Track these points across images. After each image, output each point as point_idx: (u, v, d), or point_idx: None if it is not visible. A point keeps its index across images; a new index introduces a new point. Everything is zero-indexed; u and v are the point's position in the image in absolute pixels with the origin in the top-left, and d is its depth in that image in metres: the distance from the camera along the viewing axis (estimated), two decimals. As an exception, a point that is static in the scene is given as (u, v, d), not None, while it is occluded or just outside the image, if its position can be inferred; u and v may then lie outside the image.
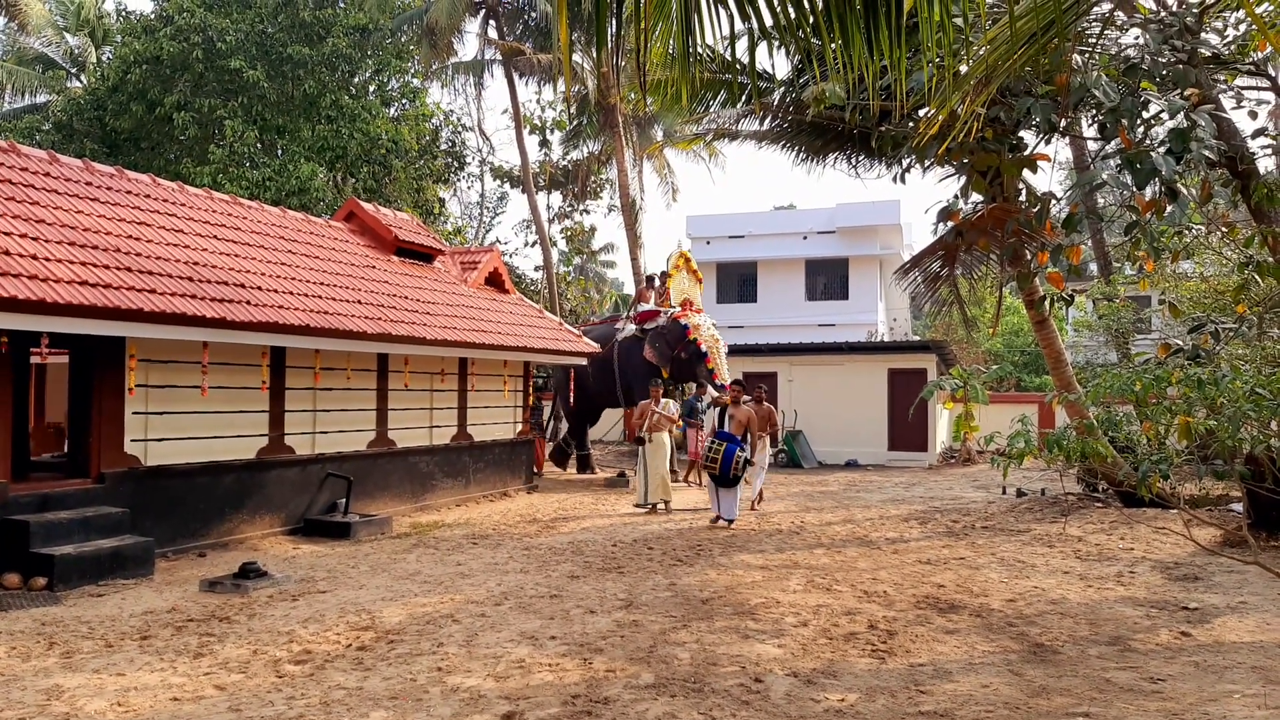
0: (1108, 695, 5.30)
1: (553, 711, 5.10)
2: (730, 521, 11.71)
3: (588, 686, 5.51)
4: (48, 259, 8.38)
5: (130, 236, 9.92)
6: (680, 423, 14.14)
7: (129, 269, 9.16)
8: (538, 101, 35.28)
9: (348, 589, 8.24)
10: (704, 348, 16.91)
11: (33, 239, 8.57)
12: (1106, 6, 9.11)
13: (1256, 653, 6.09)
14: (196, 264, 10.23)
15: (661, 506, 13.36)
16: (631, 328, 18.13)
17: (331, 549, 10.41)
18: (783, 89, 13.52)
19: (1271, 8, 6.44)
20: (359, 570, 9.13)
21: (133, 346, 9.34)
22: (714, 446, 11.71)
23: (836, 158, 14.61)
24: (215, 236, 11.36)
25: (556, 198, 35.74)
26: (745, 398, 13.16)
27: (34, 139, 24.84)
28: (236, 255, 11.21)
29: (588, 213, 36.60)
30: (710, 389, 16.35)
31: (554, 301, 30.01)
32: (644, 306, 18.30)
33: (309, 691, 5.42)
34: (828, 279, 36.98)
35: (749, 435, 12.21)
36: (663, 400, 13.56)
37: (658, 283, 19.13)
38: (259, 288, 10.62)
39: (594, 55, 27.24)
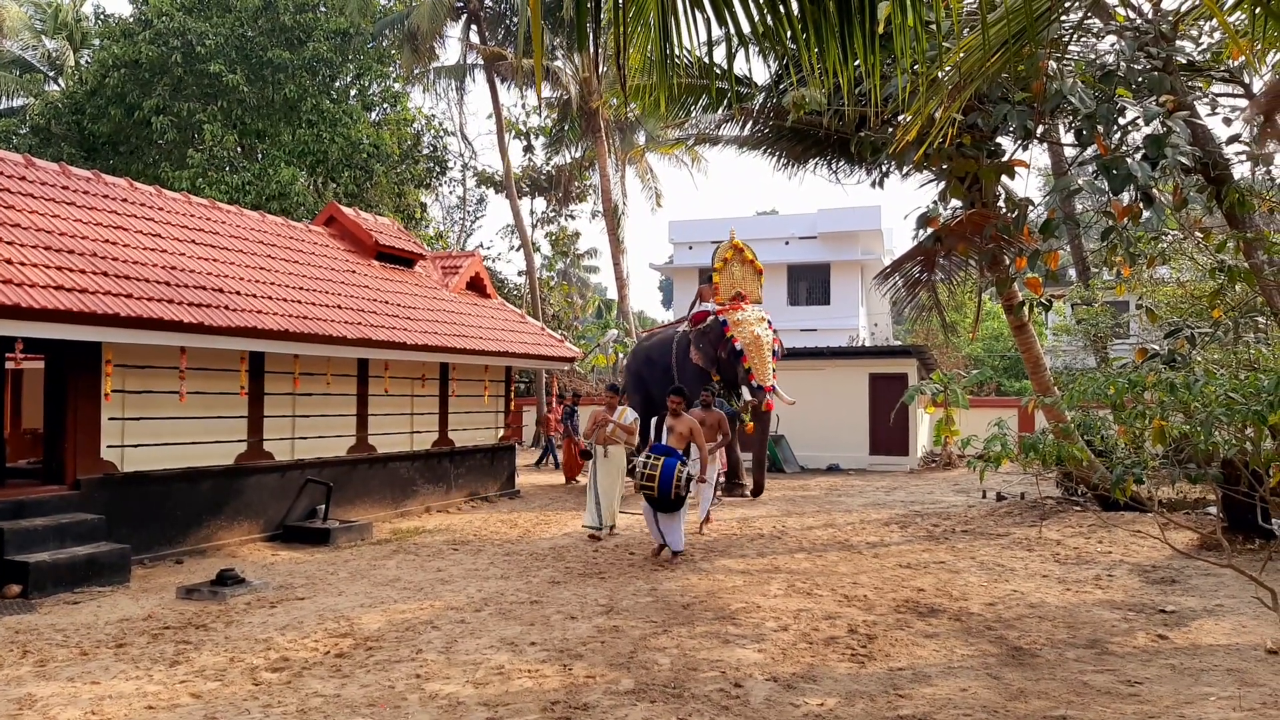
0: (1085, 698, 5.33)
1: (532, 718, 5.08)
2: (676, 553, 9.87)
3: (567, 693, 5.49)
4: (23, 263, 8.30)
5: (107, 241, 9.84)
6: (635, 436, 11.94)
7: (105, 273, 9.09)
8: (521, 106, 35.33)
9: (326, 596, 8.19)
10: (739, 346, 15.41)
11: (7, 243, 8.49)
12: (1080, 14, 9.18)
13: (1232, 655, 6.13)
14: (174, 268, 10.16)
15: (605, 531, 11.44)
16: (687, 329, 17.01)
17: (311, 555, 10.35)
18: (763, 94, 13.59)
19: (1244, 16, 6.51)
20: (338, 577, 9.07)
21: (109, 352, 9.27)
22: (649, 462, 9.72)
23: (817, 163, 14.68)
24: (193, 241, 11.28)
25: (540, 202, 35.77)
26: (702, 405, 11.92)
27: (11, 143, 24.65)
28: (215, 260, 11.14)
29: (572, 217, 36.66)
30: (746, 392, 15.19)
31: (536, 306, 30.00)
32: (705, 306, 17.00)
33: (286, 699, 5.38)
34: (810, 284, 37.14)
35: (693, 448, 10.49)
36: (619, 409, 11.62)
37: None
38: (237, 292, 10.56)
39: (575, 61, 27.33)
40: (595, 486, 11.50)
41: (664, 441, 10.22)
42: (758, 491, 15.34)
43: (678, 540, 9.86)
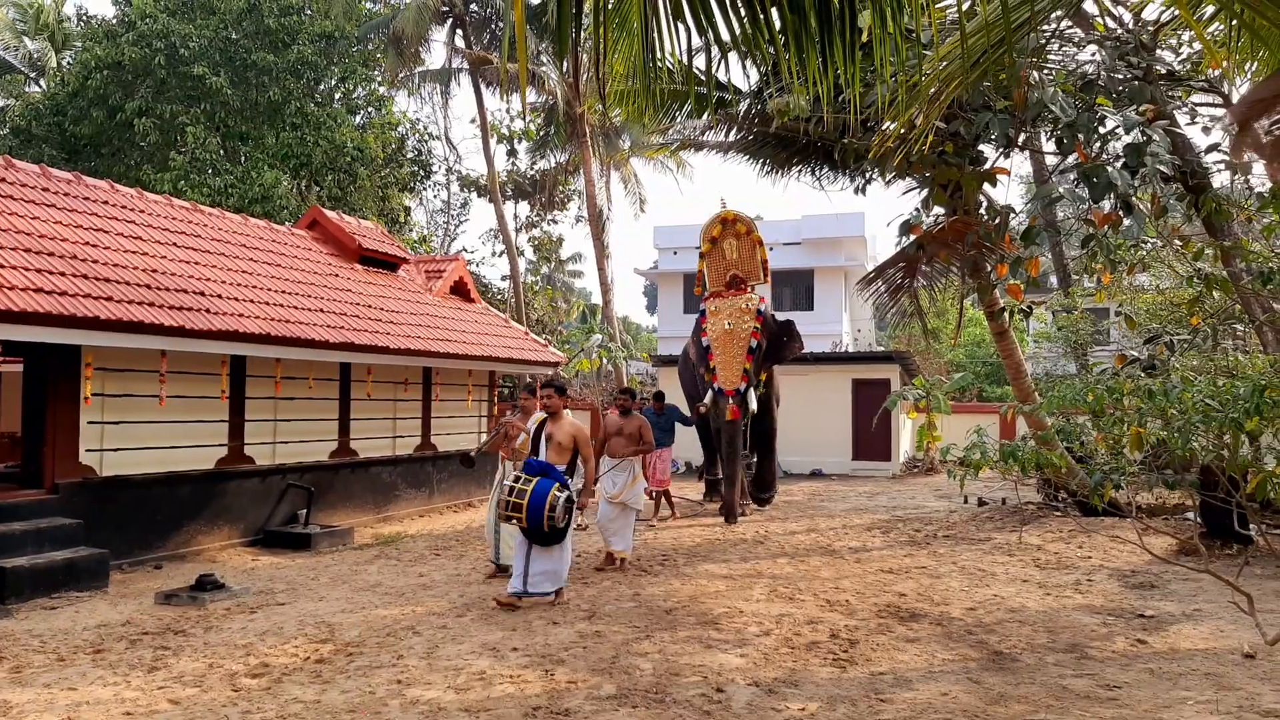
0: (1065, 702, 5.36)
1: (513, 723, 5.07)
2: (532, 596, 7.75)
3: (549, 698, 5.48)
4: (1, 266, 8.24)
5: (87, 244, 9.78)
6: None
7: (86, 276, 9.03)
8: (507, 111, 35.33)
9: (307, 601, 8.15)
10: (705, 341, 13.27)
11: (-14, 245, 8.43)
12: (1059, 24, 9.27)
13: (1210, 660, 6.19)
14: (155, 271, 10.10)
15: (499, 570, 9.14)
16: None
17: (291, 560, 10.29)
18: (747, 101, 13.63)
19: (1221, 27, 6.59)
20: (319, 582, 9.03)
21: (89, 355, 9.20)
22: (517, 487, 7.58)
23: (800, 169, 14.74)
24: (175, 244, 11.23)
25: (524, 207, 35.72)
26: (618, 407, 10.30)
27: (-10, 144, 24.42)
28: (196, 263, 11.08)
29: (556, 222, 36.58)
30: (708, 396, 13.03)
31: (520, 311, 29.94)
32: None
33: (265, 705, 5.35)
34: (793, 290, 37.22)
35: (581, 462, 8.21)
36: (535, 415, 8.64)
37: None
38: (219, 295, 10.50)
39: (561, 66, 27.34)
40: (494, 513, 9.04)
41: (542, 454, 8.00)
42: (729, 517, 12.98)
43: (559, 575, 7.90)
